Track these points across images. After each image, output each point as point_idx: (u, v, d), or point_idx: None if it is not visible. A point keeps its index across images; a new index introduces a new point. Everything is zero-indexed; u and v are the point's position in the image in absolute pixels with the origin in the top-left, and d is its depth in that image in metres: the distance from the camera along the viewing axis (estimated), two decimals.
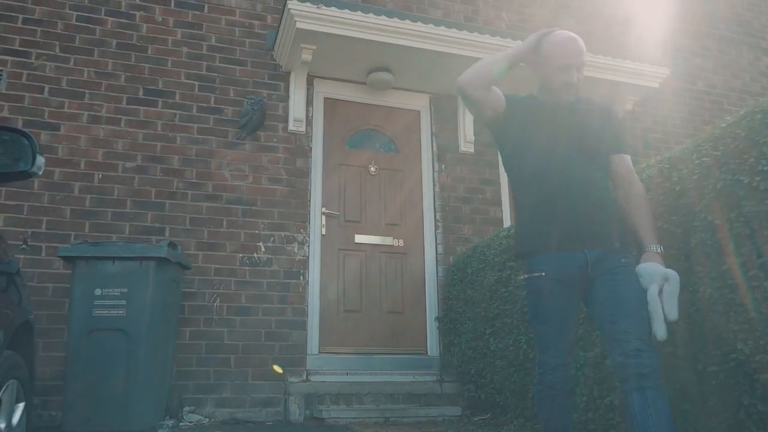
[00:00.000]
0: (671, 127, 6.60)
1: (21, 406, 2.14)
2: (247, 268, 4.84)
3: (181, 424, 4.18)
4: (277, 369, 2.92)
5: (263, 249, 4.91)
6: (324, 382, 4.70)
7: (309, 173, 5.22)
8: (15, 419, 2.08)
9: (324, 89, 5.50)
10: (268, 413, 4.53)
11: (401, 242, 5.30)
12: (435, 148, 5.68)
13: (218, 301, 4.70)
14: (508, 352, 3.99)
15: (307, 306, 4.91)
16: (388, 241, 5.32)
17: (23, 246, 4.35)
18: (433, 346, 5.19)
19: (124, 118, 4.87)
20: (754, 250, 2.21)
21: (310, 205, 5.15)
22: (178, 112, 5.01)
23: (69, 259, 3.87)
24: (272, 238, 4.95)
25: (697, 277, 2.44)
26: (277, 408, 4.56)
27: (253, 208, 4.98)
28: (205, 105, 5.09)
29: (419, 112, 5.77)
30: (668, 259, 2.46)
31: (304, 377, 4.72)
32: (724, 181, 2.33)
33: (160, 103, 4.98)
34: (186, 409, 4.37)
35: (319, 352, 4.90)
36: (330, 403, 4.52)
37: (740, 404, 2.27)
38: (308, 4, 4.75)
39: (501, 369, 4.08)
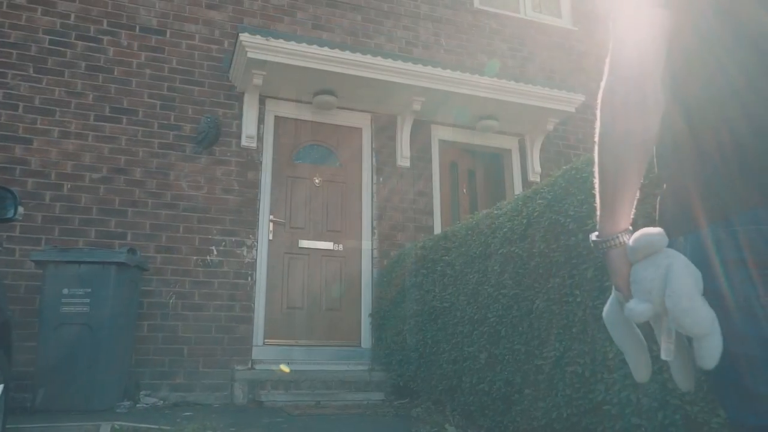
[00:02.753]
0: (591, 144, 7.31)
1: (1, 387, 2.77)
2: (200, 269, 5.47)
3: (138, 405, 4.82)
4: (284, 368, 3.36)
5: (215, 252, 5.55)
6: (267, 370, 5.37)
7: (259, 184, 5.85)
8: None
9: (274, 108, 6.13)
10: (216, 397, 5.19)
11: (341, 247, 5.97)
12: (375, 162, 6.35)
13: (174, 298, 5.32)
14: (419, 346, 4.69)
15: (253, 303, 5.56)
16: (329, 245, 6.00)
17: None
18: (366, 339, 5.89)
19: (91, 133, 5.44)
20: (567, 273, 2.93)
21: (259, 213, 5.79)
22: (140, 128, 5.60)
23: (40, 263, 4.47)
24: (224, 243, 5.59)
25: (533, 292, 3.16)
26: (224, 392, 5.22)
27: (207, 215, 5.60)
28: (165, 122, 5.69)
29: (361, 129, 6.43)
30: (519, 279, 3.18)
31: (249, 365, 5.38)
32: (550, 219, 3.03)
33: (124, 120, 5.57)
34: (143, 392, 5.01)
35: (264, 344, 5.57)
36: (270, 388, 5.19)
37: (557, 390, 2.99)
38: (258, 36, 5.37)
39: (414, 360, 4.79)
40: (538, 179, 6.87)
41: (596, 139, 1.14)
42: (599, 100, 1.13)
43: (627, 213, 1.11)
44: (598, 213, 1.15)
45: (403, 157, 6.36)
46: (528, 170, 6.89)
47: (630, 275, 1.07)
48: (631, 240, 1.07)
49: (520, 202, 3.41)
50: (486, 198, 7.21)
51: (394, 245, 6.15)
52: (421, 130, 6.57)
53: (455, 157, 6.92)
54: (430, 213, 6.41)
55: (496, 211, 3.70)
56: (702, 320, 0.97)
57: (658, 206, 1.18)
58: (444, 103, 6.26)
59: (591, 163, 2.89)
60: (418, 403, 4.74)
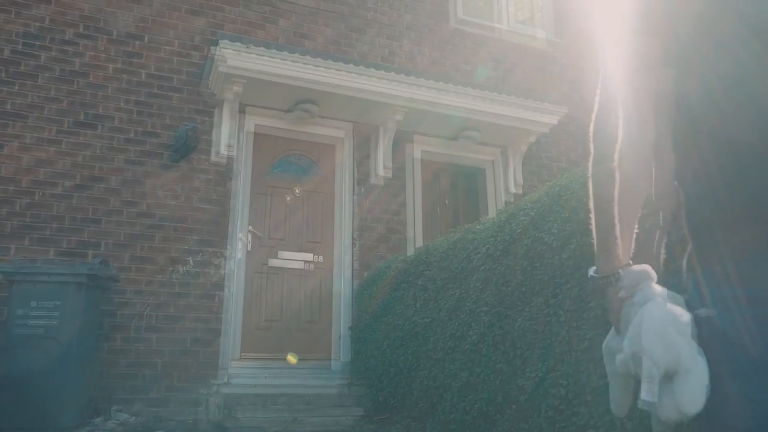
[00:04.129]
0: (574, 156, 7.34)
1: None
2: (176, 280, 5.33)
3: (108, 422, 4.67)
4: (291, 358, 3.21)
5: (192, 263, 5.42)
6: (243, 385, 5.24)
7: (237, 194, 5.74)
8: None
9: (253, 117, 6.03)
10: (190, 413, 5.04)
11: (320, 258, 5.87)
12: (355, 173, 6.28)
13: (149, 310, 5.18)
14: (399, 362, 4.61)
15: (231, 316, 5.44)
16: (308, 257, 5.90)
17: None
18: (345, 352, 5.78)
19: (65, 140, 5.29)
20: (550, 292, 2.87)
21: (237, 224, 5.67)
22: (117, 135, 5.46)
23: (8, 275, 4.31)
24: (201, 254, 5.46)
25: (515, 310, 3.09)
26: (199, 408, 5.08)
27: (183, 225, 5.47)
28: (142, 129, 5.56)
29: (342, 139, 6.35)
30: (502, 297, 3.12)
31: (225, 380, 5.24)
32: (534, 237, 2.98)
33: (100, 126, 5.43)
34: (114, 408, 4.85)
35: (240, 358, 5.44)
36: (247, 404, 5.06)
37: (540, 411, 2.92)
38: (238, 44, 5.28)
39: (394, 376, 4.70)
40: (521, 191, 6.84)
41: (589, 176, 1.19)
42: (591, 134, 1.19)
43: (624, 250, 1.13)
44: (595, 249, 1.16)
45: (385, 168, 6.29)
46: (510, 182, 6.85)
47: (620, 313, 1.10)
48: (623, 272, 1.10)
49: (503, 219, 3.35)
50: (467, 210, 7.16)
51: (375, 257, 6.06)
52: (402, 141, 6.51)
53: (437, 168, 6.87)
54: (412, 225, 6.34)
55: (478, 227, 3.64)
56: (658, 360, 0.95)
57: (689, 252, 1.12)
58: (426, 115, 6.21)
59: (574, 180, 2.84)
60: (398, 419, 4.65)
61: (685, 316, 1.00)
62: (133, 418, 4.87)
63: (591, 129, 1.21)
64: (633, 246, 1.16)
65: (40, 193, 5.12)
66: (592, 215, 1.18)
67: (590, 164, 1.19)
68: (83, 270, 4.33)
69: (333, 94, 5.76)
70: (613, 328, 1.16)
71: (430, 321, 4.09)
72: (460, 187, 7.16)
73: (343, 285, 5.93)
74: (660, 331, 0.98)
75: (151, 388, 5.04)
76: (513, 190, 6.80)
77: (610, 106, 1.19)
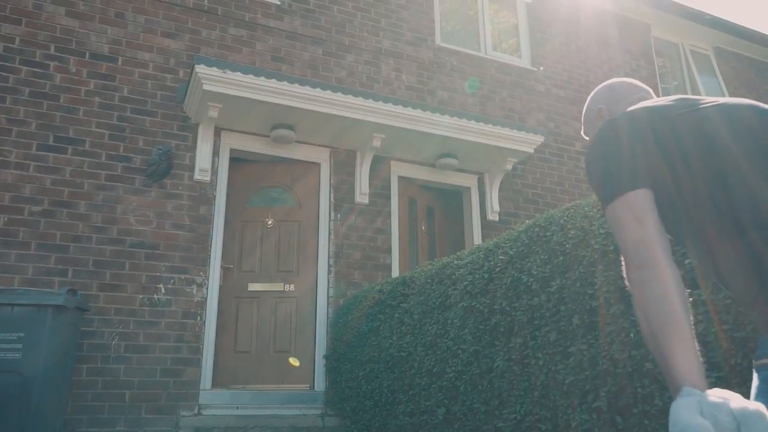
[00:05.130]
0: (549, 183, 7.40)
1: None
2: (146, 308, 5.19)
3: None
4: (293, 362, 3.05)
5: (163, 290, 5.29)
6: (215, 415, 5.11)
7: (212, 220, 5.64)
8: None
9: (230, 141, 5.95)
10: None
11: (292, 287, 5.78)
12: (332, 199, 6.22)
13: (117, 339, 5.03)
14: (374, 394, 4.53)
15: (202, 345, 5.31)
16: (280, 287, 5.82)
17: None
18: (320, 381, 5.68)
19: (33, 163, 5.15)
20: (529, 333, 2.84)
21: (210, 250, 5.57)
22: (87, 159, 5.33)
23: None
24: (173, 280, 5.33)
25: (494, 350, 3.06)
26: None
27: (155, 251, 5.34)
28: (114, 153, 5.44)
29: (320, 164, 6.29)
30: (480, 335, 3.08)
31: (196, 411, 5.11)
32: (513, 276, 2.95)
33: (69, 150, 5.30)
34: None
35: (212, 388, 5.30)
36: None
37: None
38: (215, 68, 5.21)
39: (369, 408, 4.62)
40: (497, 218, 6.87)
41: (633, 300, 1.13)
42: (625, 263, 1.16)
43: (688, 370, 1.02)
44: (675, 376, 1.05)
45: (362, 193, 6.25)
46: (487, 209, 6.87)
47: None
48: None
49: (481, 255, 3.33)
50: (445, 236, 7.16)
51: (351, 284, 6.00)
52: (380, 166, 6.48)
53: (414, 193, 6.85)
54: (389, 251, 6.29)
55: (456, 262, 3.61)
56: None
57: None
58: (404, 140, 6.21)
59: (553, 221, 2.83)
60: None
61: None
62: None
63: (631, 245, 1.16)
64: None
65: (5, 219, 4.96)
66: (658, 333, 1.06)
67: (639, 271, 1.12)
68: (50, 300, 4.18)
69: (310, 118, 5.73)
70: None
71: (407, 355, 4.03)
72: (437, 213, 7.15)
73: (318, 313, 5.84)
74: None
75: (118, 421, 4.87)
76: (490, 216, 6.81)
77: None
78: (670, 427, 0.95)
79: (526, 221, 3.32)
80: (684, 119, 1.21)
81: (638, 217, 1.15)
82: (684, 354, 1.02)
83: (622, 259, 1.17)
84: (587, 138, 1.51)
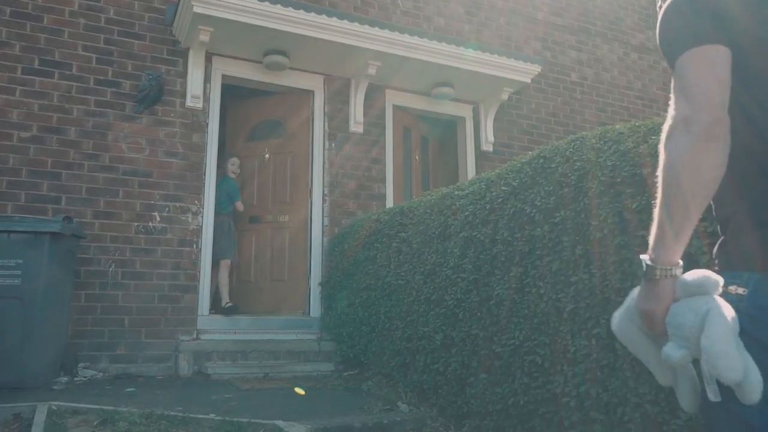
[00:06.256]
0: (544, 114, 7.35)
1: None
2: (142, 236, 5.20)
3: (75, 379, 4.60)
4: (299, 390, 3.21)
5: (158, 218, 5.28)
6: (213, 340, 5.22)
7: (205, 148, 5.56)
8: None
9: (222, 66, 5.79)
10: (159, 368, 5.02)
11: (287, 218, 5.79)
12: (327, 128, 6.15)
13: (113, 266, 5.06)
14: (371, 320, 4.65)
15: (198, 272, 5.35)
16: (276, 217, 5.83)
17: None
18: (315, 308, 5.80)
19: (19, 88, 4.99)
20: (530, 263, 2.90)
21: (204, 178, 5.52)
22: (75, 84, 5.18)
23: None
24: (167, 209, 5.32)
25: (494, 279, 3.13)
26: (168, 364, 5.06)
27: (149, 179, 5.30)
28: (102, 78, 5.28)
29: (313, 92, 6.18)
30: (480, 264, 3.14)
31: (195, 336, 5.21)
32: (515, 207, 2.98)
33: (56, 74, 5.13)
34: (81, 365, 4.78)
35: (210, 314, 5.40)
36: (217, 359, 5.06)
37: (515, 377, 3.00)
38: None
39: (366, 333, 4.75)
40: (491, 149, 6.85)
41: (664, 169, 1.11)
42: (668, 131, 1.12)
43: (683, 246, 1.12)
44: (653, 238, 1.13)
45: (357, 122, 6.18)
46: (481, 139, 6.83)
47: (668, 316, 1.10)
48: (687, 275, 1.09)
49: (483, 186, 3.34)
50: (438, 166, 7.16)
51: (345, 213, 6.02)
52: (375, 95, 6.38)
53: (409, 123, 6.78)
54: (383, 181, 6.29)
55: (457, 192, 3.63)
56: (735, 364, 0.98)
57: (725, 238, 1.18)
58: (399, 68, 6.08)
59: (558, 153, 2.83)
60: (369, 376, 4.72)
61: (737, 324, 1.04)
62: (101, 374, 4.82)
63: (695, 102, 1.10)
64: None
65: None
66: (674, 194, 1.09)
67: (693, 137, 1.07)
68: (46, 227, 4.17)
69: (304, 44, 5.57)
70: (624, 312, 1.19)
71: (405, 283, 4.11)
72: (431, 143, 7.12)
73: (313, 242, 5.89)
74: (724, 337, 1.00)
75: (118, 345, 4.97)
76: (484, 147, 6.79)
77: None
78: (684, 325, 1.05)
79: (529, 152, 3.32)
80: None
81: (717, 77, 1.09)
82: (685, 237, 1.10)
83: (674, 115, 1.10)
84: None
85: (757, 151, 1.11)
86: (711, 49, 1.10)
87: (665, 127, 1.13)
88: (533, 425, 2.87)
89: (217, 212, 5.62)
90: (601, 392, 2.47)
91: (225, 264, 5.68)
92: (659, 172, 1.12)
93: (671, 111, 1.12)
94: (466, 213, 3.40)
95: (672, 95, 1.15)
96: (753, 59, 1.11)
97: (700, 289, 1.06)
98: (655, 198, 1.15)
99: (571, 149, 2.74)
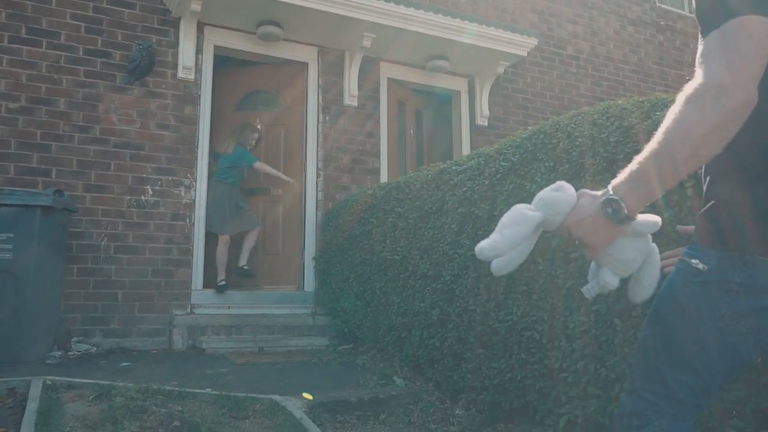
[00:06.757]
0: (539, 88, 7.29)
1: None
2: (134, 209, 5.14)
3: (69, 353, 4.59)
4: (307, 395, 3.20)
5: (151, 192, 5.22)
6: (207, 314, 5.21)
7: (197, 120, 5.47)
8: None
9: (214, 37, 5.67)
10: (153, 343, 5.01)
11: (281, 191, 5.73)
12: (321, 101, 6.07)
13: (106, 240, 5.01)
14: (366, 295, 4.65)
15: (192, 246, 5.32)
16: (270, 190, 5.77)
17: None
18: (309, 282, 5.79)
19: (6, 57, 4.87)
20: None
21: (198, 151, 5.45)
22: (63, 53, 5.06)
23: None
24: (160, 182, 5.25)
25: None
26: (162, 338, 5.05)
27: (140, 152, 5.22)
28: (92, 47, 5.16)
29: (307, 64, 6.08)
30: (477, 240, 3.12)
31: (189, 310, 5.20)
32: (515, 183, 2.96)
33: (44, 43, 5.01)
34: (74, 339, 4.76)
35: (203, 288, 5.38)
36: (211, 334, 5.06)
37: (512, 353, 3.01)
38: None
39: (361, 308, 4.75)
40: (486, 123, 6.81)
41: (676, 126, 1.08)
42: (697, 91, 1.06)
43: (652, 201, 1.17)
44: (629, 184, 1.13)
45: (351, 95, 6.10)
46: (476, 113, 6.78)
47: (611, 249, 1.19)
48: (641, 217, 1.17)
49: (481, 161, 3.31)
50: (433, 140, 7.11)
51: (339, 187, 5.98)
52: (370, 67, 6.29)
53: (404, 97, 6.71)
54: (377, 155, 6.24)
55: (454, 167, 3.59)
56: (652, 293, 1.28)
57: (708, 214, 1.21)
58: (394, 40, 5.99)
59: (559, 128, 2.80)
60: (364, 350, 4.74)
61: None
62: (95, 348, 4.81)
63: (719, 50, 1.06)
64: None
65: None
66: (675, 154, 1.07)
67: (722, 109, 1.03)
68: (38, 201, 4.10)
69: (298, 15, 5.46)
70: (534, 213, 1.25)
71: (401, 258, 4.10)
72: (425, 117, 7.06)
73: (306, 216, 5.85)
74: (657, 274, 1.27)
75: (111, 319, 4.95)
76: (479, 122, 6.74)
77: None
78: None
79: (527, 127, 3.29)
80: None
81: (764, 52, 1.04)
82: (659, 194, 1.13)
83: (708, 75, 1.05)
84: None
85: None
86: (763, 21, 1.04)
87: (692, 84, 1.07)
88: (530, 400, 2.89)
89: (220, 182, 5.50)
90: (599, 368, 2.48)
91: (223, 240, 5.55)
92: (668, 124, 1.08)
93: (703, 72, 1.06)
94: (464, 188, 3.38)
95: (703, 57, 1.08)
96: None
97: (646, 232, 1.19)
98: None
99: (573, 125, 2.71)
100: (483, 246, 1.19)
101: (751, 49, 1.03)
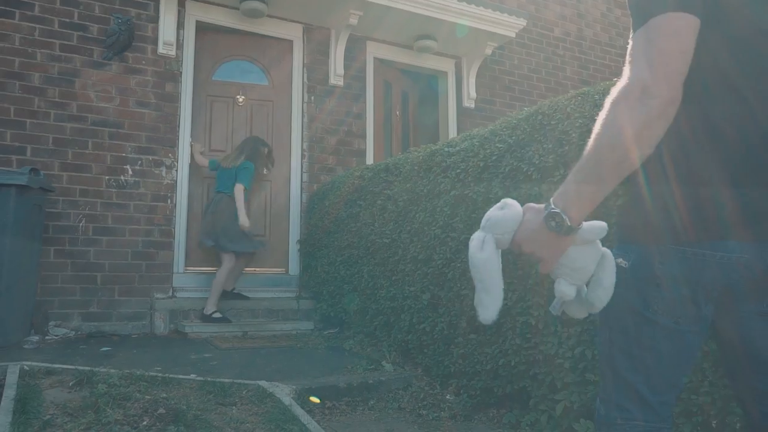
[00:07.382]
0: (527, 71, 7.22)
1: None
2: (113, 190, 4.98)
3: (47, 337, 4.45)
4: (314, 399, 3.06)
5: (130, 172, 5.06)
6: (189, 298, 5.09)
7: (179, 98, 5.31)
8: None
9: (196, 12, 5.49)
10: (134, 326, 4.89)
11: (265, 170, 5.59)
12: (306, 80, 5.93)
13: (84, 221, 4.85)
14: (353, 279, 4.57)
15: (173, 228, 5.18)
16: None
17: None
18: (294, 266, 5.70)
19: None
20: None
21: (179, 131, 5.29)
22: (38, 26, 4.85)
23: None
24: (140, 162, 5.10)
25: None
26: (144, 322, 4.93)
27: (120, 130, 5.05)
28: (68, 20, 4.96)
29: (292, 42, 5.92)
30: (471, 223, 3.05)
31: (170, 294, 5.08)
32: (511, 165, 2.89)
33: (17, 14, 4.79)
34: (52, 323, 4.62)
35: (185, 271, 5.25)
36: (194, 318, 4.94)
37: (506, 338, 2.96)
38: None
39: (347, 292, 4.68)
40: (473, 105, 6.72)
41: (606, 131, 1.06)
42: (622, 92, 1.05)
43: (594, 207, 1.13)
44: (569, 195, 1.10)
45: (337, 75, 5.97)
46: (463, 95, 6.69)
47: (563, 259, 1.15)
48: (586, 225, 1.13)
49: (476, 142, 3.23)
50: (419, 122, 7.01)
51: (325, 169, 5.87)
52: (356, 46, 6.15)
53: (390, 77, 6.59)
54: (363, 136, 6.13)
55: (447, 149, 3.51)
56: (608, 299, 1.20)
57: (623, 210, 1.26)
58: (382, 19, 5.85)
59: (558, 109, 2.73)
60: (350, 335, 4.67)
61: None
62: (73, 332, 4.68)
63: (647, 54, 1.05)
64: None
65: None
66: (610, 159, 1.05)
67: (647, 109, 1.02)
68: (12, 179, 3.93)
69: None
70: (486, 241, 1.18)
71: (390, 242, 4.02)
72: (412, 98, 6.95)
73: (291, 198, 5.74)
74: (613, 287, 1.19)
75: (90, 303, 4.81)
76: (466, 104, 6.66)
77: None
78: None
79: (520, 109, 3.22)
80: None
81: (685, 49, 1.04)
82: (599, 200, 1.09)
83: (631, 78, 1.04)
84: None
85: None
86: (686, 18, 1.05)
87: (618, 86, 1.06)
88: (524, 386, 2.85)
89: (224, 194, 5.02)
90: (596, 353, 2.44)
91: (228, 258, 4.94)
92: (597, 130, 1.07)
93: (628, 72, 1.06)
94: (458, 170, 3.30)
95: (631, 56, 1.08)
96: (735, 24, 1.09)
97: (594, 239, 1.16)
98: None
99: (572, 105, 2.64)
100: (484, 316, 1.18)
101: (674, 47, 1.03)
